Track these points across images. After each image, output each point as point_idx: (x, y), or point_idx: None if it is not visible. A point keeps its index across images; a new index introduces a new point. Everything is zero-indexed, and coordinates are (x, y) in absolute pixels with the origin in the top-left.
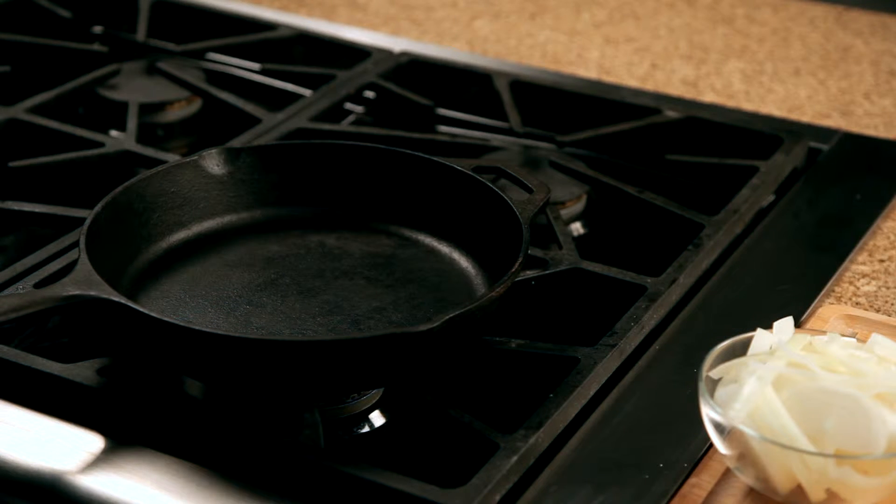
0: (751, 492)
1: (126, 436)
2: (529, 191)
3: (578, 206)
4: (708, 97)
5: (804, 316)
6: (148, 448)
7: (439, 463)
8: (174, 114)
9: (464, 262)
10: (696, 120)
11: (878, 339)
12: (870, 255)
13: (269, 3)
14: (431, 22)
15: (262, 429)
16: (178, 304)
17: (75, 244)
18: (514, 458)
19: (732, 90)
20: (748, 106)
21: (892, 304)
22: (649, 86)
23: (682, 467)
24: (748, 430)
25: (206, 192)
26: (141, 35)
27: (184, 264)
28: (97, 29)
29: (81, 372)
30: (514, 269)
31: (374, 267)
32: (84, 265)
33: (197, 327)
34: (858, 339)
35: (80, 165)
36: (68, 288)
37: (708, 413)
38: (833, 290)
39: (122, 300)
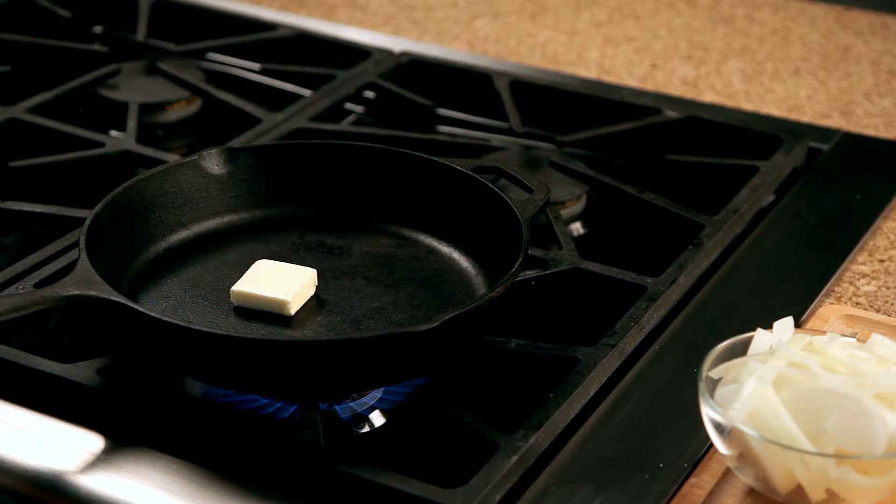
0: (751, 492)
1: (126, 436)
2: (529, 191)
3: (578, 206)
4: (708, 97)
5: (804, 316)
6: (148, 448)
7: (439, 463)
8: (174, 114)
9: (464, 262)
10: (696, 120)
11: (878, 339)
12: (870, 255)
13: (269, 3)
14: (431, 22)
15: (262, 429)
16: (178, 304)
17: (75, 244)
18: (514, 458)
19: (732, 90)
20: (748, 106)
21: (892, 304)
22: (649, 86)
23: (682, 467)
24: (748, 430)
25: (206, 192)
26: (141, 35)
27: (184, 264)
28: (97, 29)
29: (81, 372)
30: (514, 269)
31: (374, 267)
32: (84, 265)
33: (197, 327)
34: (858, 339)
35: (80, 165)
36: (68, 288)
37: (708, 413)
38: (833, 290)
39: (122, 300)
